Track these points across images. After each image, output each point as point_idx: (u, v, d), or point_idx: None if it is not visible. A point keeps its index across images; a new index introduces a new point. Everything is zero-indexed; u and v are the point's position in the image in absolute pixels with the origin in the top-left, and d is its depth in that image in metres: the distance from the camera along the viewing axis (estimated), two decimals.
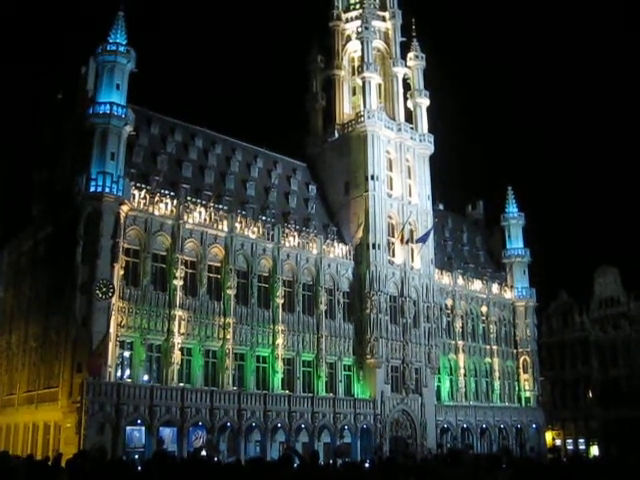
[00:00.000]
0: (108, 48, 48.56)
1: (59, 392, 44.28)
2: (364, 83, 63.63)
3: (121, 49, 48.68)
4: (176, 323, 47.50)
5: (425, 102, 67.67)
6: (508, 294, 74.25)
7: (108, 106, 46.88)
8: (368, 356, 57.17)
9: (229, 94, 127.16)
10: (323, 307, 56.25)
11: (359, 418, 54.82)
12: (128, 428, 43.85)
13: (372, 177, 60.62)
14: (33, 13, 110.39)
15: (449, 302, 67.46)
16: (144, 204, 48.29)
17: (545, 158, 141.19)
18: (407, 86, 68.19)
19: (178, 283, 48.28)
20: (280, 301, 53.57)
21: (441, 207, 75.92)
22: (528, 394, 72.52)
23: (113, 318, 44.00)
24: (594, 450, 76.40)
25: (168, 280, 48.41)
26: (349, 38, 67.90)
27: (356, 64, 67.04)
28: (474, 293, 70.33)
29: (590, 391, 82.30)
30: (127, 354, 46.21)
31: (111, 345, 43.35)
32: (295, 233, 56.50)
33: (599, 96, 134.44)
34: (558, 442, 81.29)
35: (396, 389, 58.50)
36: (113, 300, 44.09)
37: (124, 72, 48.85)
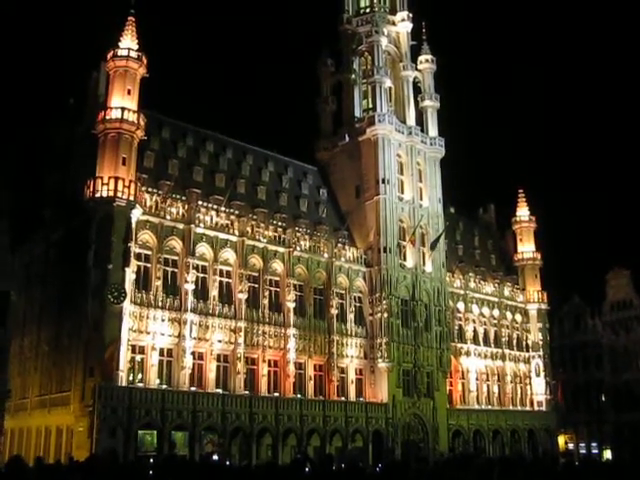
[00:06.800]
0: (119, 53, 48.74)
1: (71, 396, 44.42)
2: (374, 87, 63.56)
3: (132, 54, 48.81)
4: (188, 327, 47.55)
5: (436, 105, 67.65)
6: (520, 297, 74.05)
7: (119, 111, 46.99)
8: (379, 360, 57.14)
9: (240, 98, 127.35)
10: (334, 311, 56.24)
11: (371, 422, 54.71)
12: (140, 432, 43.93)
13: (383, 181, 60.64)
14: (45, 18, 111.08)
15: (461, 305, 67.28)
16: (155, 208, 48.42)
17: (556, 161, 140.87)
18: (418, 89, 68.15)
19: (189, 287, 48.36)
20: (291, 305, 53.63)
21: (452, 210, 75.61)
22: (540, 398, 72.24)
23: (125, 322, 44.08)
24: (607, 454, 76.01)
25: (180, 284, 48.53)
26: (359, 42, 67.74)
27: (367, 67, 66.95)
28: (486, 296, 70.11)
29: (603, 395, 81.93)
30: (139, 358, 46.29)
31: (123, 349, 43.45)
32: (306, 237, 56.53)
33: (610, 99, 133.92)
34: (571, 446, 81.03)
35: (408, 393, 58.38)
36: (125, 304, 44.16)
37: (135, 77, 48.97)
